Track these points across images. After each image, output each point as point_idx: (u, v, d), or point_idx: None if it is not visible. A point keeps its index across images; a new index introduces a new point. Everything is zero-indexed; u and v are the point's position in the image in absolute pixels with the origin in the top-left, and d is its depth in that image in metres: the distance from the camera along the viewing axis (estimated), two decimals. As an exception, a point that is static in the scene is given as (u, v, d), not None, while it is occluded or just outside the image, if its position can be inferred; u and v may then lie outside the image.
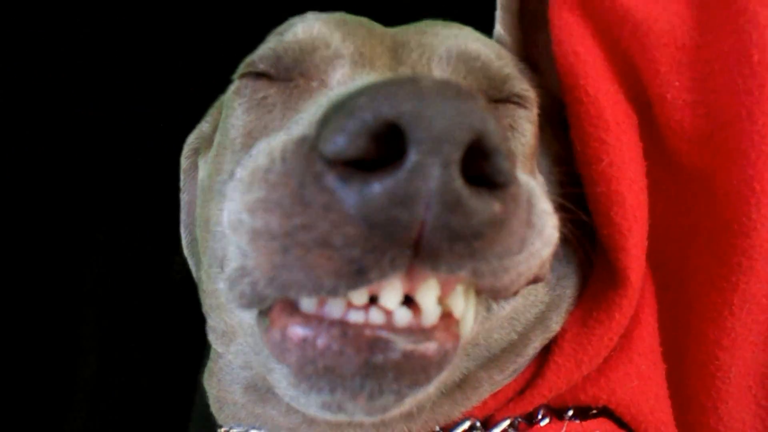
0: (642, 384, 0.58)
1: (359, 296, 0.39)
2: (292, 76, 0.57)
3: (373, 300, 0.39)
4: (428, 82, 0.34)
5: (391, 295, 0.39)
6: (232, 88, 0.61)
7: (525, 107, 0.59)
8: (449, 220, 0.34)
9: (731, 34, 0.58)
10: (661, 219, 0.63)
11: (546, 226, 0.43)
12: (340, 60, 0.56)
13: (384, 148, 0.33)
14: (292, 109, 0.54)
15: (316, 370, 0.38)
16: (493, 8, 0.69)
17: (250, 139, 0.55)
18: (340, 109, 0.34)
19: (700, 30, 0.60)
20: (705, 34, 0.60)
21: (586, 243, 0.62)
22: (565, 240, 0.62)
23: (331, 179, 0.35)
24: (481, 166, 0.34)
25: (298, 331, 0.39)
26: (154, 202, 1.04)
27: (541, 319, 0.60)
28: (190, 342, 1.15)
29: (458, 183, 0.33)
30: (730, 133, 0.58)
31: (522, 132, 0.59)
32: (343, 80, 0.54)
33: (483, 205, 0.35)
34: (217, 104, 0.76)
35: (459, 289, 0.42)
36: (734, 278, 0.58)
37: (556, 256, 0.63)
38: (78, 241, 1.30)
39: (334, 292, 0.36)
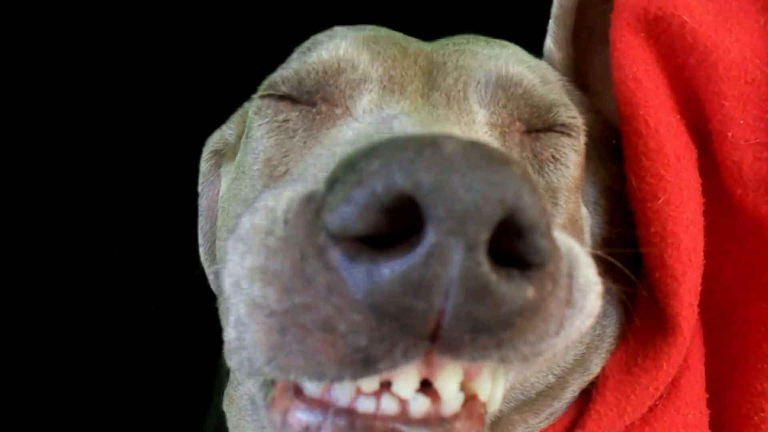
0: None
1: (369, 383, 0.35)
2: (315, 100, 0.52)
3: (386, 385, 0.35)
4: (453, 145, 0.28)
5: (406, 382, 0.34)
6: (253, 107, 0.56)
7: (570, 135, 0.54)
8: (473, 310, 0.29)
9: None
10: (715, 258, 0.59)
11: (588, 300, 0.37)
12: (368, 84, 0.51)
13: (400, 221, 0.28)
14: (314, 138, 0.49)
15: None
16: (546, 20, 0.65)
17: (268, 167, 0.51)
18: (349, 171, 0.29)
19: None
20: None
21: (631, 279, 0.58)
22: (606, 273, 0.59)
23: (335, 256, 0.30)
24: (514, 244, 0.29)
25: (300, 417, 0.35)
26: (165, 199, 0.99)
27: (580, 361, 0.56)
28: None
29: (484, 268, 0.28)
30: None
31: (565, 163, 0.54)
32: (369, 108, 0.49)
33: (514, 291, 0.30)
34: (240, 111, 0.71)
35: (486, 372, 0.37)
36: None
37: None
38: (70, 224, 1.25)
39: (337, 380, 0.32)
